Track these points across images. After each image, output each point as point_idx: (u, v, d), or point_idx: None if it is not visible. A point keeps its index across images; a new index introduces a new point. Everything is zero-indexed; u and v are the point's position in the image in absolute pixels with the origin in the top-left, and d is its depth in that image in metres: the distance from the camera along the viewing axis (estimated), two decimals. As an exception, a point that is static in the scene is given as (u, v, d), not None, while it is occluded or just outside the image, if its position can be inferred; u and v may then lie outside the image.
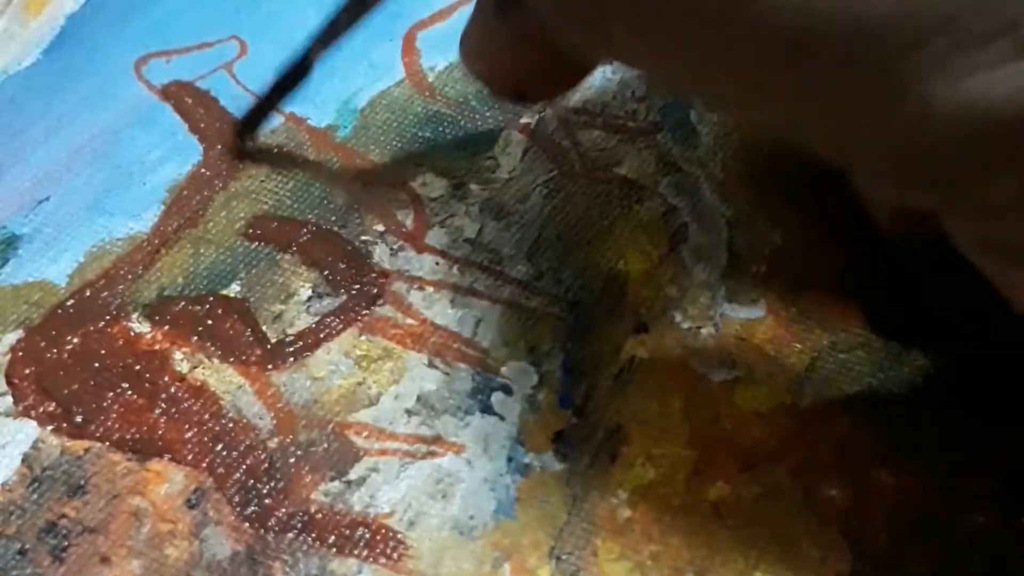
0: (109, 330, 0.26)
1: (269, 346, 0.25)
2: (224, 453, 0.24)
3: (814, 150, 0.18)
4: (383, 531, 0.23)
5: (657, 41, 0.18)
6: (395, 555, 0.22)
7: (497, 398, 0.24)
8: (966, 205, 0.17)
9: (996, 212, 0.17)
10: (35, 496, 0.23)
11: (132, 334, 0.26)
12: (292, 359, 0.25)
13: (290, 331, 0.25)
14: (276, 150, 0.29)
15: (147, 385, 0.25)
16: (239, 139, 0.28)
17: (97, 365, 0.25)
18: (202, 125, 0.29)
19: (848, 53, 0.15)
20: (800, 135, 0.18)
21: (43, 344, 0.25)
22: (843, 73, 0.16)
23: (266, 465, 0.24)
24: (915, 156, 0.16)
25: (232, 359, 0.25)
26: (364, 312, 0.26)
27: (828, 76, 0.16)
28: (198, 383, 0.25)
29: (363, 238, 0.27)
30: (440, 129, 0.29)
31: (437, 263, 0.26)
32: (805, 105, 0.17)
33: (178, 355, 0.25)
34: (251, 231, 0.27)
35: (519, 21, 0.21)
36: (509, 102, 0.27)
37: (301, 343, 0.25)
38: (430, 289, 0.26)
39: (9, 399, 0.25)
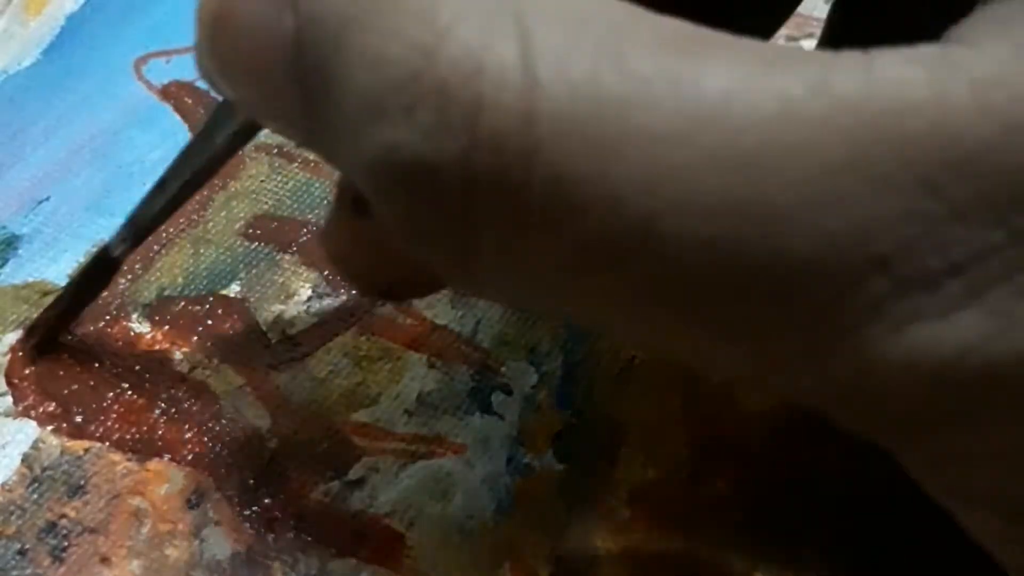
0: (109, 330, 0.26)
1: (269, 346, 0.25)
2: (224, 453, 0.24)
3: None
4: (383, 531, 0.23)
5: (534, 274, 0.14)
6: (395, 555, 0.22)
7: (497, 398, 0.24)
8: (924, 454, 0.15)
9: (963, 462, 0.14)
10: (35, 496, 0.23)
11: (132, 334, 0.26)
12: (292, 359, 0.25)
13: (290, 331, 0.25)
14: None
15: (147, 385, 0.25)
16: (33, 350, 0.25)
17: (97, 365, 0.25)
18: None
19: (767, 297, 0.13)
20: (721, 375, 0.16)
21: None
22: (762, 319, 0.13)
23: (266, 465, 0.24)
24: (854, 406, 0.14)
25: (232, 359, 0.25)
26: (364, 312, 0.26)
27: (744, 323, 0.14)
28: (198, 383, 0.25)
29: (363, 238, 0.27)
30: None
31: (437, 263, 0.26)
32: (718, 352, 0.14)
33: (178, 355, 0.25)
34: (251, 231, 0.27)
35: (380, 221, 0.19)
36: (378, 300, 0.26)
37: (301, 343, 0.25)
38: (430, 289, 0.26)
39: (9, 399, 0.25)
